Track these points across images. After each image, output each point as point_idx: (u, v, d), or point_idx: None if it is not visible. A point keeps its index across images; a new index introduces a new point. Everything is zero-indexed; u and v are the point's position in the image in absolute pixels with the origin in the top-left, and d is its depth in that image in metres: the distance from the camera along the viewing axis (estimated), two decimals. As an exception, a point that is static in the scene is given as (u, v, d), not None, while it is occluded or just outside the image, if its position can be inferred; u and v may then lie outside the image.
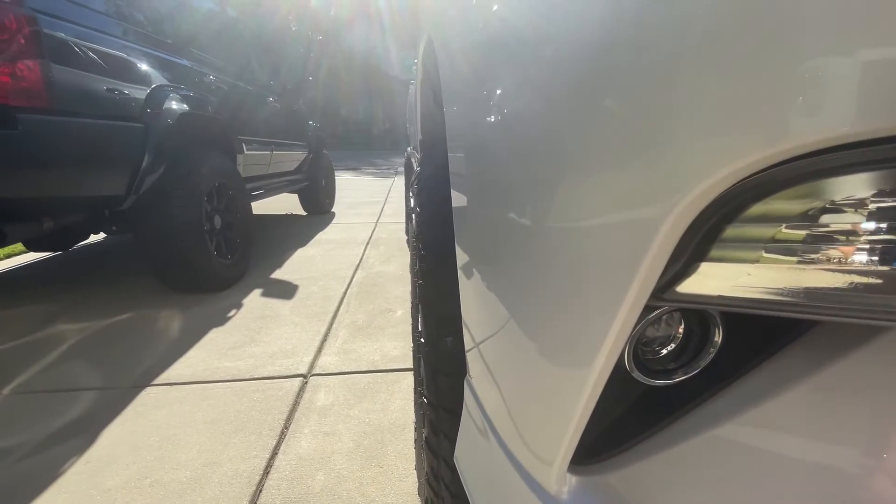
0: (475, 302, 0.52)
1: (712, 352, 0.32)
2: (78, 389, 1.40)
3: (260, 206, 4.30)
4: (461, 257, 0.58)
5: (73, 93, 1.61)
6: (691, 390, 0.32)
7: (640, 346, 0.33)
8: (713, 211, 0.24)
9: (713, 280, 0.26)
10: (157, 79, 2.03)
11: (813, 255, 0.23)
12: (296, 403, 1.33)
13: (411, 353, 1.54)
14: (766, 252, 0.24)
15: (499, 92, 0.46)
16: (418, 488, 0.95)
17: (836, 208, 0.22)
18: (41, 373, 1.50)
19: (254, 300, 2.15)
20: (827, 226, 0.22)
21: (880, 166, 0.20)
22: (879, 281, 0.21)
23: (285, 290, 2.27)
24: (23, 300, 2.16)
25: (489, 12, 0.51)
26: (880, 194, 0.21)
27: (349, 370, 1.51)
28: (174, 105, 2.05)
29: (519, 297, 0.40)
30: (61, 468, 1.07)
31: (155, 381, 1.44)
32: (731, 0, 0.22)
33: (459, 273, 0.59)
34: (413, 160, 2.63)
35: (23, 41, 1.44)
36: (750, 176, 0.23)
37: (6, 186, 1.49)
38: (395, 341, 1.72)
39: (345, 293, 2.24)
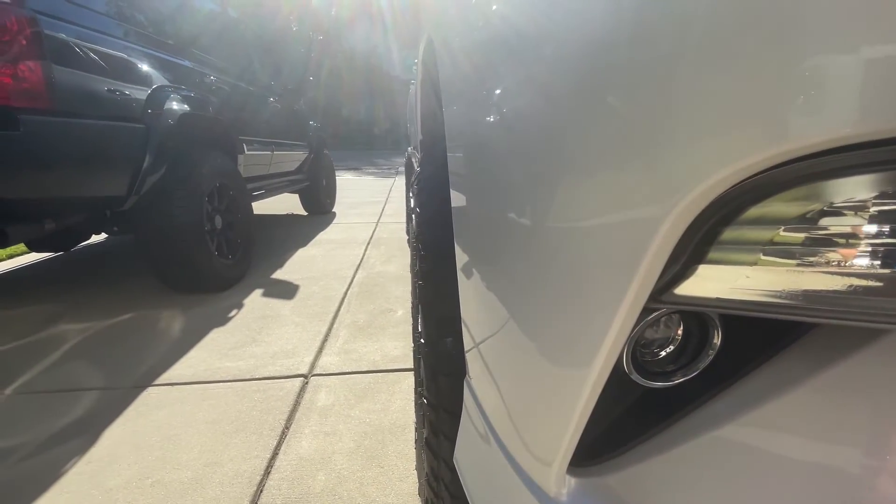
0: (474, 302, 0.52)
1: (711, 354, 0.32)
2: (80, 389, 1.40)
3: (261, 207, 4.31)
4: (461, 257, 0.58)
5: (74, 94, 1.61)
6: (690, 392, 0.32)
7: (639, 348, 0.33)
8: (712, 212, 0.24)
9: (712, 282, 0.26)
10: (158, 79, 2.04)
11: (812, 258, 0.23)
12: (296, 403, 1.33)
13: (412, 354, 1.54)
14: (765, 255, 0.24)
15: (498, 91, 0.46)
16: (419, 489, 0.95)
17: (835, 211, 0.22)
18: (43, 373, 1.51)
19: (255, 300, 2.15)
20: (826, 228, 0.22)
21: (880, 168, 0.20)
22: (879, 284, 0.21)
23: (286, 291, 2.27)
24: (25, 300, 2.16)
25: (488, 12, 0.51)
26: (880, 196, 0.21)
27: (350, 370, 1.51)
28: (175, 106, 2.05)
29: (518, 297, 0.40)
30: (63, 468, 1.07)
31: (156, 382, 1.44)
32: (732, 0, 0.22)
33: (459, 273, 0.59)
34: (414, 160, 2.63)
35: (24, 42, 1.45)
36: (749, 177, 0.22)
37: (8, 187, 1.50)
38: (395, 341, 1.72)
39: (346, 293, 2.24)
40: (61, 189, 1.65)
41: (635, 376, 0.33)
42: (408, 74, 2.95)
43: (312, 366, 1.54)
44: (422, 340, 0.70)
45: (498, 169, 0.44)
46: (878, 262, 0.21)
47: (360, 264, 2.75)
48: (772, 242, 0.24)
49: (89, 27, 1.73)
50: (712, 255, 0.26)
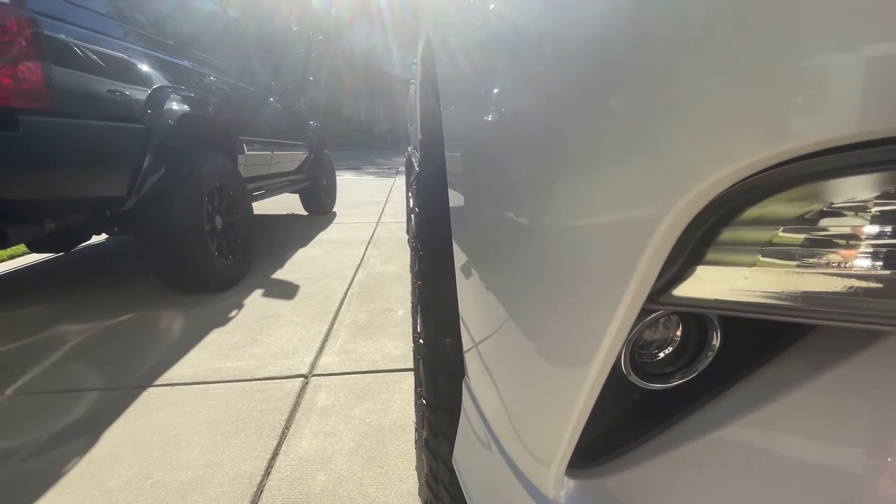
0: (473, 303, 0.52)
1: (710, 355, 0.31)
2: (80, 390, 1.41)
3: (261, 207, 4.31)
4: (459, 258, 0.58)
5: (74, 94, 1.61)
6: (689, 394, 0.32)
7: (637, 350, 0.33)
8: (710, 213, 0.24)
9: (710, 283, 0.26)
10: (158, 80, 2.04)
11: (811, 259, 0.22)
12: (297, 404, 1.33)
13: (412, 354, 1.54)
14: (764, 255, 0.24)
15: (496, 91, 0.46)
16: (418, 489, 0.95)
17: (834, 211, 0.21)
18: (44, 373, 1.51)
19: (255, 300, 2.15)
20: (825, 229, 0.22)
21: (879, 168, 0.20)
22: (878, 285, 0.21)
23: (286, 291, 2.27)
24: (26, 301, 2.17)
25: (486, 11, 0.50)
26: (880, 197, 0.20)
27: (350, 370, 1.51)
28: (175, 106, 2.05)
29: (516, 298, 0.40)
30: (64, 468, 1.07)
31: (157, 382, 1.44)
32: (730, 1, 0.21)
33: (458, 274, 0.59)
34: (413, 160, 2.63)
35: (24, 43, 1.45)
36: (748, 177, 0.22)
37: (8, 188, 1.50)
38: (395, 341, 1.72)
39: (346, 293, 2.24)
40: (61, 189, 1.65)
41: (634, 378, 0.33)
42: (407, 74, 2.95)
43: (313, 366, 1.54)
44: (421, 341, 0.70)
45: (496, 169, 0.44)
46: (878, 263, 0.21)
47: (360, 264, 2.75)
48: (770, 243, 0.23)
49: (89, 28, 1.73)
50: (711, 255, 0.25)
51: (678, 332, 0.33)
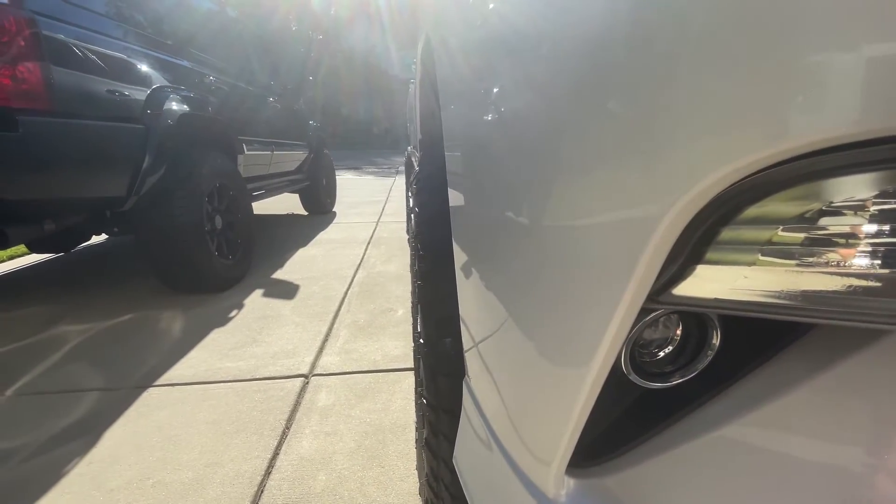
0: (473, 302, 0.52)
1: (710, 354, 0.31)
2: (81, 390, 1.41)
3: (261, 206, 4.31)
4: (459, 257, 0.58)
5: (73, 94, 1.61)
6: (689, 393, 0.32)
7: (637, 349, 0.33)
8: (710, 212, 0.24)
9: (710, 283, 0.26)
10: (158, 80, 2.04)
11: (810, 258, 0.22)
12: (297, 404, 1.33)
13: (412, 353, 1.54)
14: (764, 255, 0.24)
15: (496, 91, 0.46)
16: (419, 489, 0.95)
17: (834, 210, 0.21)
18: (44, 374, 1.51)
19: (255, 300, 2.15)
20: (825, 228, 0.22)
21: (879, 167, 0.20)
22: (878, 284, 0.21)
23: (286, 290, 2.28)
24: (26, 302, 2.17)
25: (486, 11, 0.50)
26: (879, 196, 0.20)
27: (350, 370, 1.51)
28: (174, 106, 2.05)
29: (516, 297, 0.40)
30: (64, 469, 1.07)
31: (157, 382, 1.44)
32: (728, 1, 0.21)
33: (458, 273, 0.59)
34: (413, 159, 2.63)
35: (23, 43, 1.45)
36: (747, 177, 0.22)
37: (7, 188, 1.50)
38: (396, 341, 1.72)
39: (346, 293, 2.24)
40: (61, 190, 1.65)
41: (634, 377, 0.33)
42: (407, 73, 2.95)
43: (313, 366, 1.54)
44: (421, 341, 0.70)
45: (496, 168, 0.44)
46: (878, 262, 0.21)
47: (360, 264, 2.75)
48: (770, 242, 0.23)
49: (88, 28, 1.73)
50: (710, 255, 0.25)
51: (678, 332, 0.33)
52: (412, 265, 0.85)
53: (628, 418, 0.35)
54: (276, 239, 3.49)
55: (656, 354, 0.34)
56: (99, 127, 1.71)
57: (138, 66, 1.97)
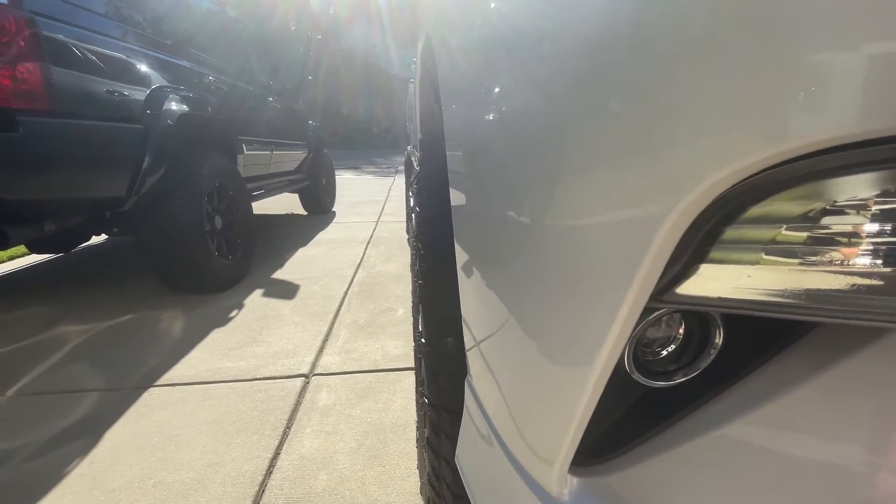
0: (475, 302, 0.52)
1: (713, 353, 0.32)
2: (81, 391, 1.41)
3: (261, 206, 4.31)
4: (461, 257, 0.58)
5: (73, 95, 1.61)
6: (692, 392, 0.32)
7: (640, 348, 0.33)
8: (713, 212, 0.24)
9: (713, 282, 0.26)
10: (157, 80, 2.03)
11: (814, 257, 0.22)
12: (298, 403, 1.33)
13: (412, 352, 1.54)
14: (767, 254, 0.24)
15: (497, 90, 0.46)
16: (420, 488, 0.95)
17: (837, 209, 0.22)
18: (45, 374, 1.51)
19: (255, 300, 2.15)
20: (828, 227, 0.22)
21: (882, 167, 0.20)
22: (881, 283, 0.21)
23: (286, 290, 2.28)
24: (26, 302, 2.16)
25: (487, 9, 0.50)
26: (882, 195, 0.20)
27: (351, 370, 1.51)
28: (174, 106, 2.05)
29: (519, 297, 0.40)
30: (66, 469, 1.07)
31: (157, 382, 1.44)
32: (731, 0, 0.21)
33: (459, 272, 0.59)
34: (413, 159, 2.62)
35: (22, 43, 1.44)
36: (751, 176, 0.22)
37: (8, 189, 1.50)
38: (396, 340, 1.72)
39: (346, 293, 2.24)
40: (61, 190, 1.65)
41: (637, 376, 0.33)
42: (406, 73, 2.95)
43: (313, 365, 1.54)
44: (422, 340, 0.70)
45: (499, 168, 0.44)
46: (881, 261, 0.21)
47: (360, 263, 2.75)
48: (773, 242, 0.23)
49: (88, 28, 1.73)
50: (714, 254, 0.25)
51: (681, 330, 0.33)
52: (413, 265, 0.85)
53: (631, 417, 0.35)
54: (275, 239, 3.49)
55: (659, 353, 0.34)
56: (99, 127, 1.71)
57: (138, 67, 1.96)
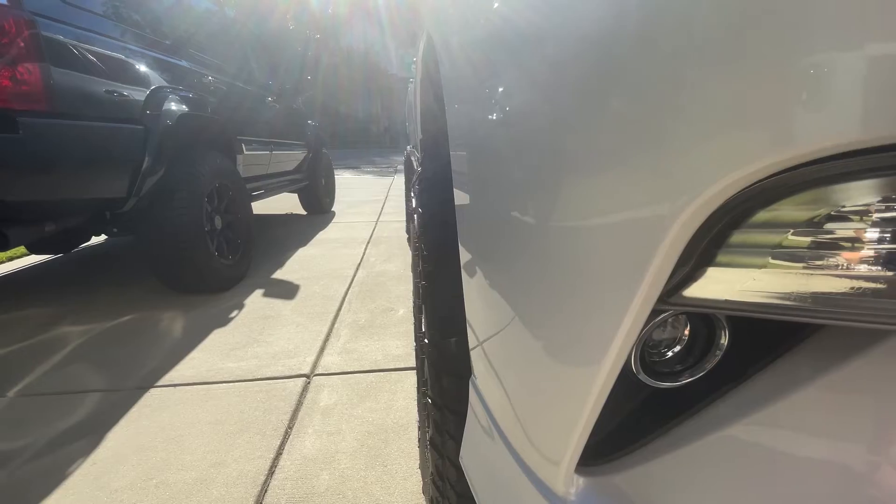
0: (480, 303, 0.52)
1: (718, 354, 0.32)
2: (83, 391, 1.41)
3: (260, 206, 4.30)
4: (465, 257, 0.58)
5: (72, 95, 1.61)
6: (697, 392, 0.32)
7: (646, 349, 0.33)
8: (721, 216, 0.24)
9: (720, 284, 0.26)
10: (156, 80, 2.03)
11: (820, 261, 0.23)
12: (299, 403, 1.33)
13: (413, 352, 1.55)
14: (774, 258, 0.24)
15: (501, 90, 0.46)
16: (423, 487, 0.96)
17: (843, 215, 0.22)
18: (46, 375, 1.51)
19: (255, 300, 2.15)
20: (834, 232, 0.22)
21: (889, 173, 0.20)
22: (886, 286, 0.21)
23: (287, 290, 2.27)
24: (26, 303, 2.16)
25: (490, 9, 0.50)
26: (888, 201, 0.21)
27: (352, 370, 1.51)
28: (173, 106, 2.05)
29: (525, 298, 0.40)
30: (68, 470, 1.07)
31: (159, 383, 1.44)
32: (742, 3, 0.22)
33: (463, 273, 0.59)
34: (413, 159, 2.62)
35: (22, 44, 1.44)
36: (758, 181, 0.23)
37: (7, 189, 1.50)
38: (397, 340, 1.72)
39: (346, 292, 2.24)
40: (61, 191, 1.65)
41: (643, 376, 0.33)
42: (406, 72, 2.95)
43: (314, 366, 1.54)
44: (425, 341, 0.70)
45: (504, 168, 0.44)
46: (886, 265, 0.21)
47: (360, 263, 2.75)
48: (780, 245, 0.24)
49: (87, 28, 1.72)
50: (721, 257, 0.26)
51: (686, 331, 0.33)
52: (415, 265, 0.85)
53: (637, 417, 0.35)
54: (275, 239, 3.48)
55: (665, 354, 0.34)
56: (99, 128, 1.71)
57: (137, 67, 1.96)
